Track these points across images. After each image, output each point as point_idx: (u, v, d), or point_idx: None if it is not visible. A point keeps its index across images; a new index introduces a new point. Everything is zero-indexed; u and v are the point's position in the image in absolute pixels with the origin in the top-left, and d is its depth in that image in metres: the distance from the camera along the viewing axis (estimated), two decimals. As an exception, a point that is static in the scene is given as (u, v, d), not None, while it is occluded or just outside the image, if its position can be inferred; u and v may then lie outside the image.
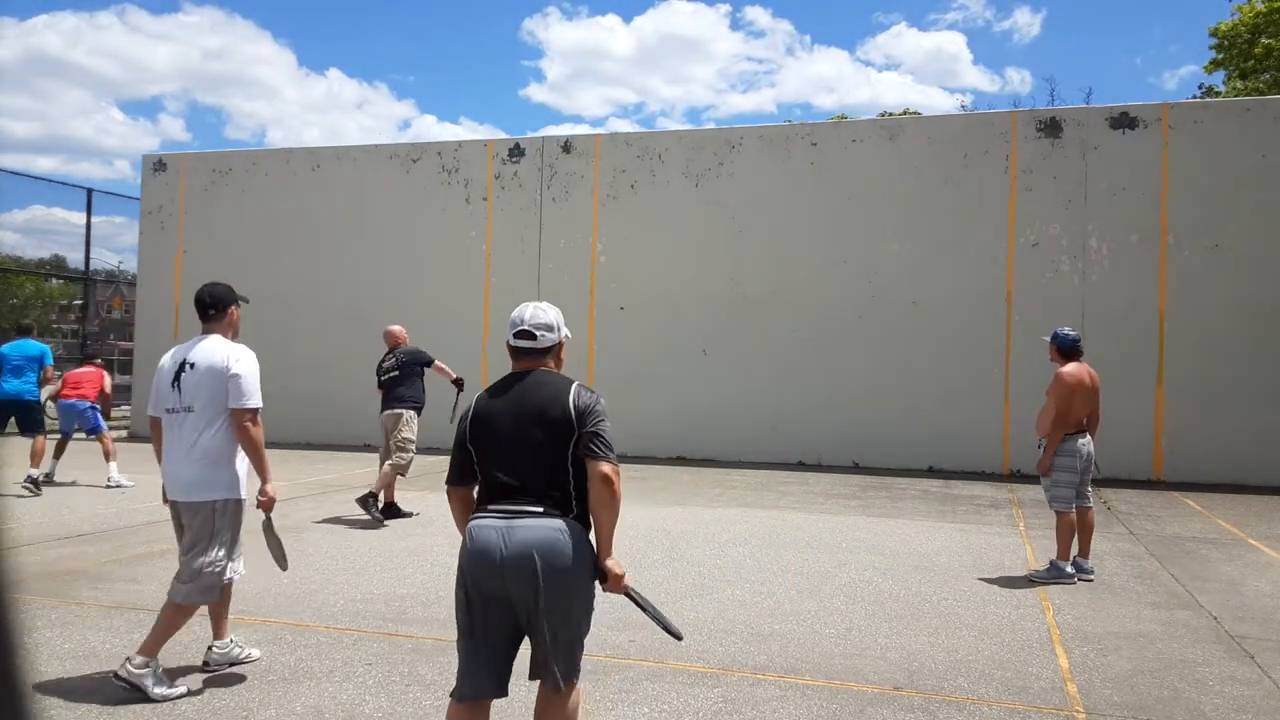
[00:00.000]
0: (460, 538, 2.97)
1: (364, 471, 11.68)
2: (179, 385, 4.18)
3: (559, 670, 2.84)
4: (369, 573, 6.31)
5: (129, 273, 24.97)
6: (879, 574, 6.50)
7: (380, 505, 8.40)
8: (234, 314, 4.42)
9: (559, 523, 2.84)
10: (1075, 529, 6.51)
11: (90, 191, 18.69)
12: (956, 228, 12.90)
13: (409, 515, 8.47)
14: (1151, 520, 9.12)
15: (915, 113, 32.37)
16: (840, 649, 4.79)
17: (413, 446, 8.54)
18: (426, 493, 10.04)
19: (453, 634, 2.98)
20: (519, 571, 2.77)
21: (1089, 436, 6.56)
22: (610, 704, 3.96)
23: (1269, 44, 25.07)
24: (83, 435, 10.56)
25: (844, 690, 4.20)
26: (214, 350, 4.21)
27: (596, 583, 2.92)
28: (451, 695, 2.93)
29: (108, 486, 9.95)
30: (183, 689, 4.04)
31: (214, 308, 4.34)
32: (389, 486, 8.47)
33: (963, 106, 49.21)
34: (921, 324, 12.92)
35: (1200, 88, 29.26)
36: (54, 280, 45.52)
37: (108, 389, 10.85)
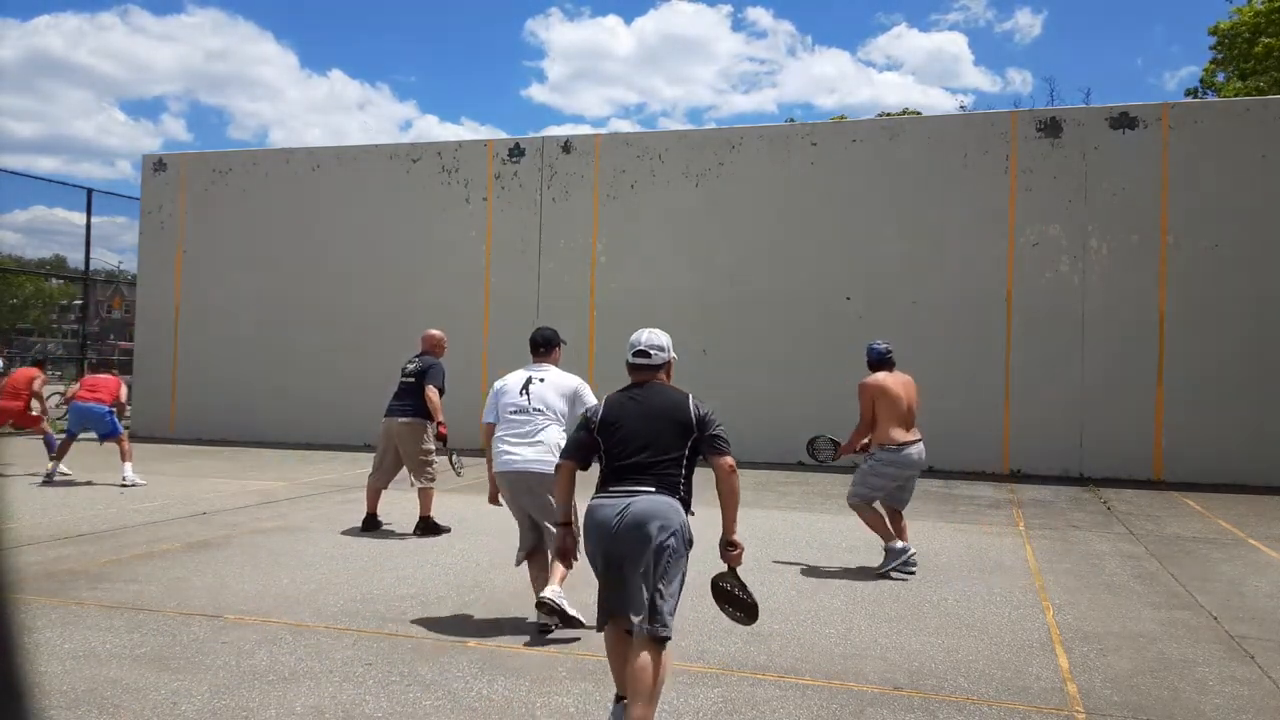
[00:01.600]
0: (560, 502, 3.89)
1: (363, 471, 11.65)
2: (528, 393, 5.34)
3: (652, 621, 3.43)
4: (369, 573, 6.31)
5: (129, 273, 24.98)
6: (879, 575, 6.49)
7: (370, 517, 8.09)
8: (556, 353, 5.58)
9: (668, 499, 3.55)
10: (878, 513, 6.69)
11: (90, 191, 18.67)
12: (956, 228, 12.90)
13: (446, 530, 7.98)
14: (1151, 520, 9.12)
15: (915, 113, 32.36)
16: (840, 649, 4.79)
17: (435, 460, 8.13)
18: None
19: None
20: (631, 536, 3.47)
21: (921, 445, 6.80)
22: (610, 704, 3.96)
23: (1269, 43, 25.06)
24: (94, 438, 10.56)
25: (844, 690, 4.20)
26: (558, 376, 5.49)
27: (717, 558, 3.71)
28: (594, 628, 3.74)
29: (123, 486, 9.93)
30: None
31: (543, 346, 5.54)
32: (428, 500, 8.03)
33: (962, 107, 49.22)
34: (921, 324, 12.91)
35: (1201, 82, 29.23)
36: (54, 280, 45.54)
37: (124, 398, 10.83)
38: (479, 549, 7.16)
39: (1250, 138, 12.01)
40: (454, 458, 7.78)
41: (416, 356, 8.33)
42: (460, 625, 5.04)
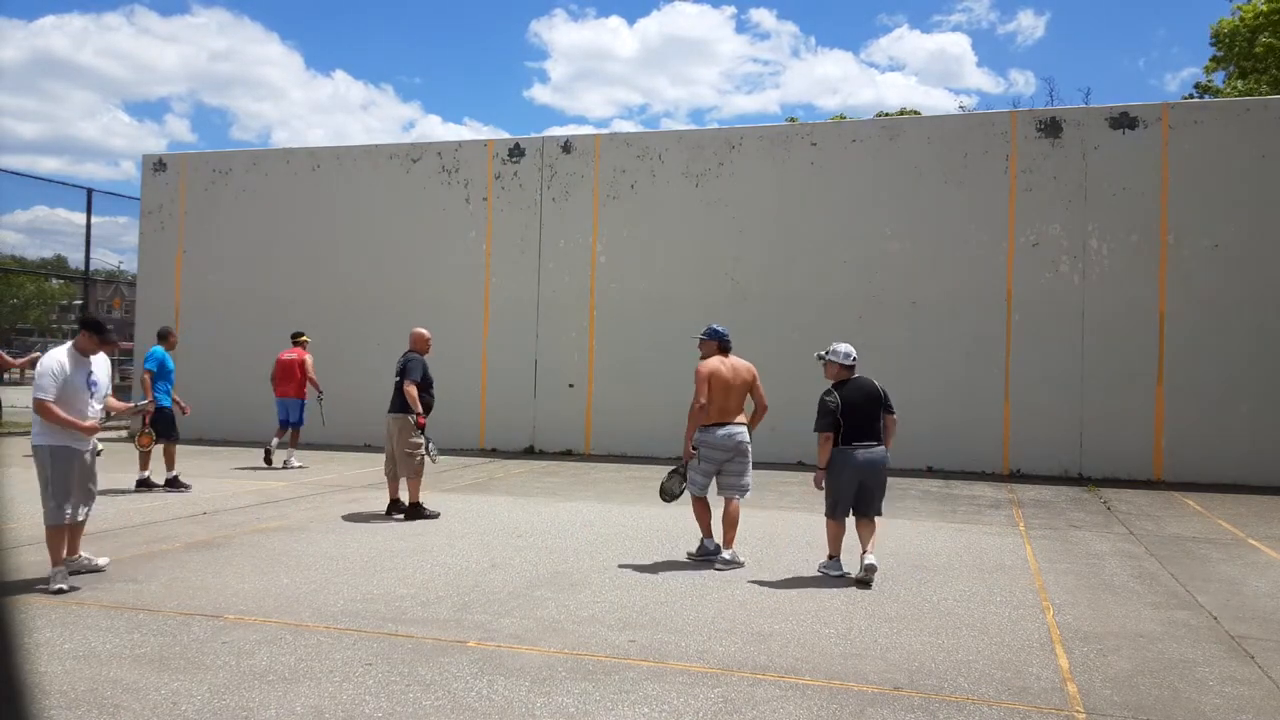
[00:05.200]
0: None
1: (363, 471, 11.68)
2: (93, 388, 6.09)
3: (881, 506, 6.43)
4: (369, 573, 6.31)
5: (129, 273, 25.01)
6: (879, 574, 6.50)
7: (405, 506, 8.53)
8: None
9: (884, 448, 6.43)
10: (710, 512, 6.86)
11: (90, 191, 18.70)
12: (956, 228, 12.90)
13: (434, 516, 8.49)
14: (1151, 520, 9.12)
15: (915, 112, 32.32)
16: (840, 649, 4.79)
17: (419, 450, 8.54)
18: (427, 492, 10.03)
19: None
20: (870, 468, 6.33)
21: (733, 426, 6.77)
22: (610, 704, 3.96)
23: (1269, 42, 25.05)
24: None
25: (844, 690, 4.20)
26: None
27: None
28: (830, 516, 6.43)
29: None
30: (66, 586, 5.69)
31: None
32: (415, 488, 8.54)
33: (962, 107, 49.14)
34: (921, 324, 12.91)
35: (1197, 86, 29.20)
36: (54, 280, 45.58)
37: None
38: (479, 549, 7.16)
39: (1250, 138, 12.01)
40: (429, 446, 8.54)
41: (405, 354, 8.79)
42: (460, 625, 5.04)
